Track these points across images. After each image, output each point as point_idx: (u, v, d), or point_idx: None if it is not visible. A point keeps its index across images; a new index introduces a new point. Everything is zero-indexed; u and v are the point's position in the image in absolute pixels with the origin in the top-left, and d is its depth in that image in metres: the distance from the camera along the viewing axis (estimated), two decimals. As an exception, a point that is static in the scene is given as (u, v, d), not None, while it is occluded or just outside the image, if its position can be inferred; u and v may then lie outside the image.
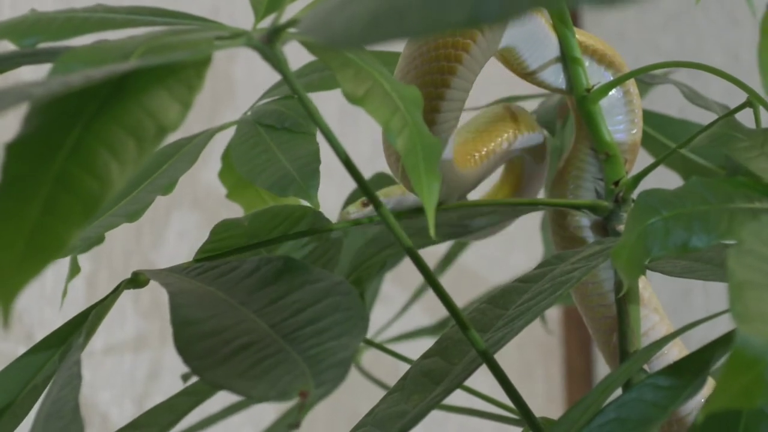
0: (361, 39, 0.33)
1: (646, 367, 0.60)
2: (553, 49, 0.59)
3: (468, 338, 0.48)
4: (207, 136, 0.68)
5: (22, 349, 0.99)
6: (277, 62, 0.44)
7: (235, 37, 0.44)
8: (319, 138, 0.64)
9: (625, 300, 0.58)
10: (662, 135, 0.74)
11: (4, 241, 0.38)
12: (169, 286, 0.49)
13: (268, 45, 0.43)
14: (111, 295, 0.55)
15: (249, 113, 0.69)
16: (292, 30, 0.43)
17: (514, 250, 1.44)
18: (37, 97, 0.36)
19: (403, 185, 0.61)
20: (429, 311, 1.19)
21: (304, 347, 0.42)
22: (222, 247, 0.59)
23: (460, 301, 0.92)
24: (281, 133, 0.65)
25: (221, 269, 0.50)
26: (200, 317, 0.46)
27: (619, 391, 0.52)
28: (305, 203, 0.62)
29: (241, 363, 0.42)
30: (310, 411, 0.41)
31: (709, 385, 0.55)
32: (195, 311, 0.46)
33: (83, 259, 1.07)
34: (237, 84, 1.15)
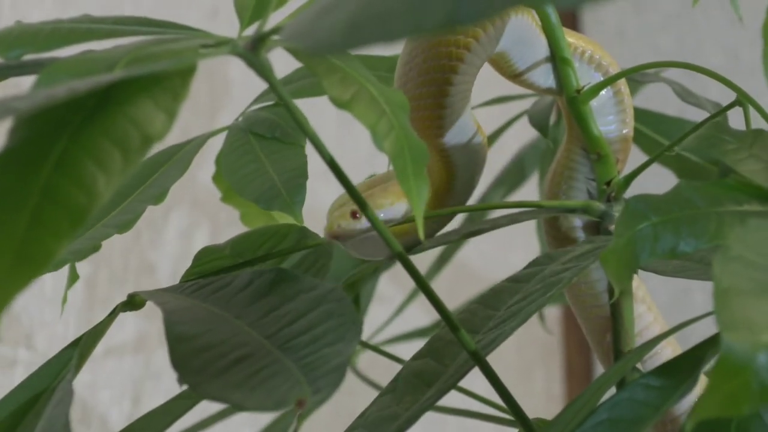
0: (343, 44, 0.33)
1: (639, 366, 0.60)
2: (542, 50, 0.59)
3: (458, 339, 0.48)
4: (199, 142, 0.68)
5: (22, 351, 1.00)
6: (262, 70, 0.44)
7: (219, 45, 0.44)
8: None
9: (619, 300, 0.58)
10: (656, 133, 0.74)
11: (-8, 253, 0.38)
12: (164, 305, 0.50)
13: (253, 52, 0.43)
14: (107, 318, 0.55)
15: (240, 119, 0.69)
16: (276, 37, 0.43)
17: (513, 248, 1.44)
18: (22, 110, 0.36)
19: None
20: (427, 311, 1.19)
21: (299, 356, 0.43)
22: (207, 270, 0.60)
23: (459, 299, 0.92)
24: (271, 142, 0.66)
25: (215, 285, 0.50)
26: (195, 333, 0.46)
27: (613, 390, 0.52)
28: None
29: (237, 375, 0.43)
30: (288, 408, 0.41)
31: (703, 384, 0.55)
32: (189, 327, 0.47)
33: (81, 261, 1.07)
34: (234, 85, 1.15)
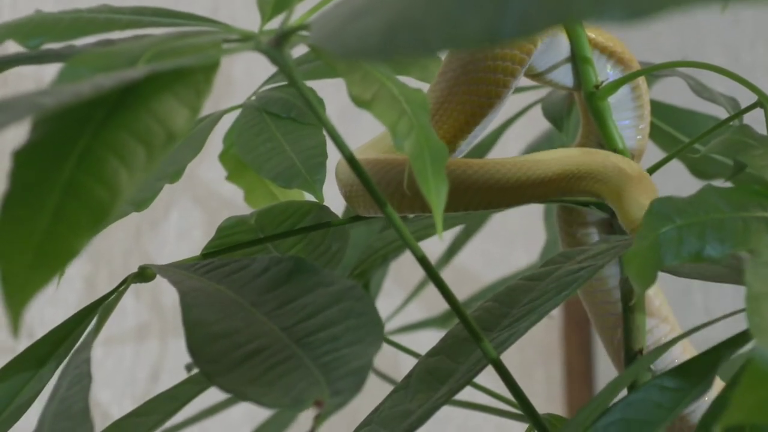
0: (377, 52, 0.33)
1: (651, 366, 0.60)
2: (563, 50, 0.59)
3: (481, 349, 0.48)
4: (212, 120, 0.68)
5: (22, 346, 0.99)
6: (285, 67, 0.43)
7: (243, 40, 0.43)
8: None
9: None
10: (669, 126, 0.74)
11: (14, 249, 0.38)
12: (178, 284, 0.49)
13: (277, 48, 0.43)
14: (117, 289, 0.54)
15: (253, 98, 0.68)
16: (302, 33, 0.43)
17: (514, 248, 1.44)
18: (48, 107, 0.36)
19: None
20: (427, 307, 1.19)
21: (318, 353, 0.42)
22: (228, 244, 0.59)
23: (459, 300, 0.91)
24: (286, 122, 0.65)
25: (230, 267, 0.49)
26: (211, 318, 0.45)
27: (624, 392, 0.52)
28: (309, 195, 0.62)
29: (254, 368, 0.42)
30: (305, 408, 0.40)
31: (716, 386, 0.55)
32: (206, 312, 0.46)
33: (82, 260, 1.06)
34: (236, 83, 1.14)
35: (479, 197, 0.55)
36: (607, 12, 0.29)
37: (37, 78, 1.05)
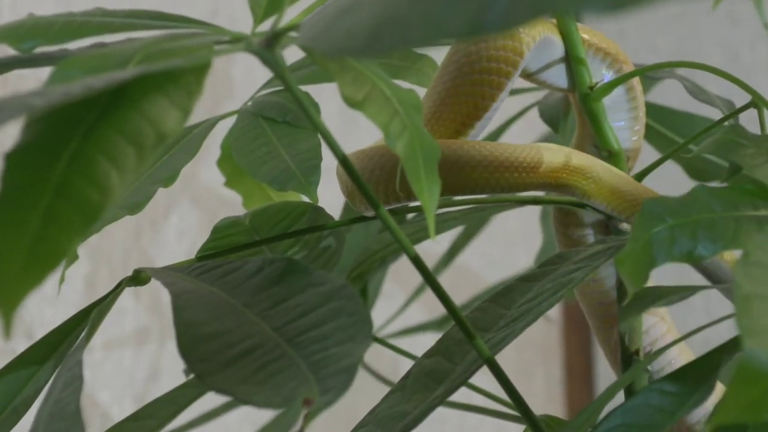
0: (362, 50, 0.33)
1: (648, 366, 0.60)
2: (556, 50, 0.59)
3: (474, 347, 0.48)
4: (208, 125, 0.68)
5: (22, 346, 0.99)
6: (276, 67, 0.43)
7: (234, 41, 0.44)
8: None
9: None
10: (665, 127, 0.74)
11: (5, 250, 0.38)
12: (172, 286, 0.49)
13: (268, 49, 0.43)
14: (112, 293, 0.54)
15: (250, 103, 0.68)
16: (292, 34, 0.43)
17: (514, 250, 1.44)
18: (38, 108, 0.36)
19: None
20: (427, 310, 1.19)
21: (308, 352, 0.42)
22: (223, 245, 0.59)
23: (460, 301, 0.91)
24: (282, 126, 0.65)
25: (223, 269, 0.49)
26: (203, 319, 0.45)
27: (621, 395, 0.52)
28: (305, 198, 0.62)
29: (245, 368, 0.42)
30: (295, 407, 0.40)
31: (718, 391, 0.55)
32: (198, 313, 0.46)
33: (81, 260, 1.06)
34: (236, 82, 1.14)
35: (477, 177, 0.56)
36: (588, 4, 0.29)
37: (37, 78, 1.05)
